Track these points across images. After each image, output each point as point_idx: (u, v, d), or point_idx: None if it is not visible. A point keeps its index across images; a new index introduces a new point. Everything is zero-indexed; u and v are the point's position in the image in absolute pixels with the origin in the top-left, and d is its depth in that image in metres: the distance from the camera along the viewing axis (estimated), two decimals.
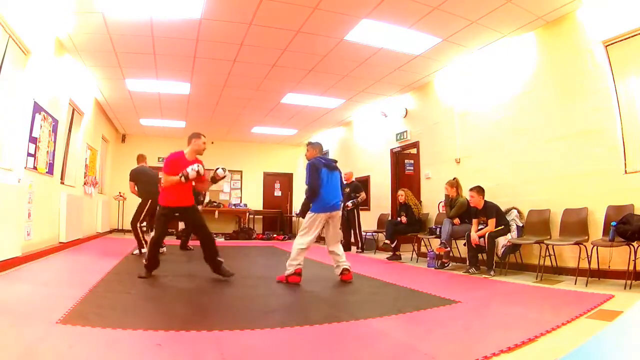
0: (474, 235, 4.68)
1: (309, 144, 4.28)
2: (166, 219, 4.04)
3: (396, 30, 4.98)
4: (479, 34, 4.99)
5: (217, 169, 4.18)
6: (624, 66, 3.95)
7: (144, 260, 3.99)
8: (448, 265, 5.16)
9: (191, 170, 3.79)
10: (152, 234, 4.06)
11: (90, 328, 2.15)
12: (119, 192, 10.22)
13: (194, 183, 3.99)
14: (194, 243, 6.56)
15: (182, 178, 3.79)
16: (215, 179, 4.21)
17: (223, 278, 3.95)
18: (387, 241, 6.26)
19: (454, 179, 5.42)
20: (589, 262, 3.72)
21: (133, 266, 4.84)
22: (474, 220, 4.84)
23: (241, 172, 12.30)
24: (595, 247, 3.70)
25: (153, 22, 4.82)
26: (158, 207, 4.11)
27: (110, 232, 10.06)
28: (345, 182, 7.87)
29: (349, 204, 7.49)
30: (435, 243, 5.27)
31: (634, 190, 3.71)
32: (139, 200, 5.78)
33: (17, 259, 4.05)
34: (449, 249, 5.15)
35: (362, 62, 6.00)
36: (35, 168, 4.77)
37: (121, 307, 2.78)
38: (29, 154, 4.56)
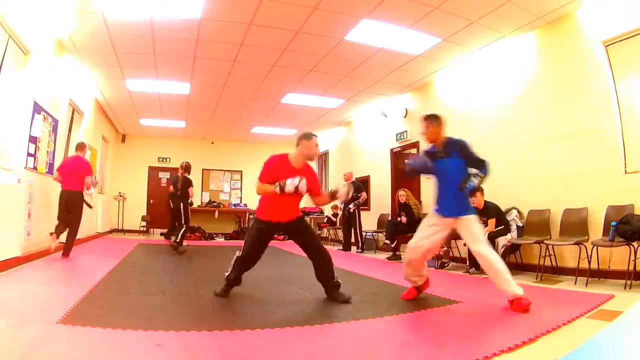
0: None
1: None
2: (261, 235, 3.26)
3: (396, 30, 4.98)
4: (479, 34, 4.99)
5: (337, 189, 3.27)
6: (624, 66, 3.94)
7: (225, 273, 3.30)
8: (448, 265, 5.16)
9: (290, 184, 3.01)
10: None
11: (91, 328, 2.15)
12: (119, 192, 10.23)
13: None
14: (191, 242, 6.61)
15: (277, 189, 3.02)
16: (334, 195, 3.29)
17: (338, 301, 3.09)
18: (387, 241, 6.26)
19: None
20: (589, 262, 3.72)
21: (133, 266, 4.84)
22: None
23: (241, 172, 12.30)
24: (595, 247, 3.70)
25: (153, 22, 4.82)
26: (254, 220, 3.37)
27: (110, 232, 10.07)
28: (345, 182, 7.90)
29: (351, 205, 7.49)
30: None
31: (634, 190, 3.71)
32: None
33: (17, 259, 4.05)
34: (446, 248, 5.15)
35: (362, 62, 6.00)
36: (35, 168, 4.77)
37: (121, 307, 2.78)
38: (28, 154, 4.56)
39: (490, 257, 2.85)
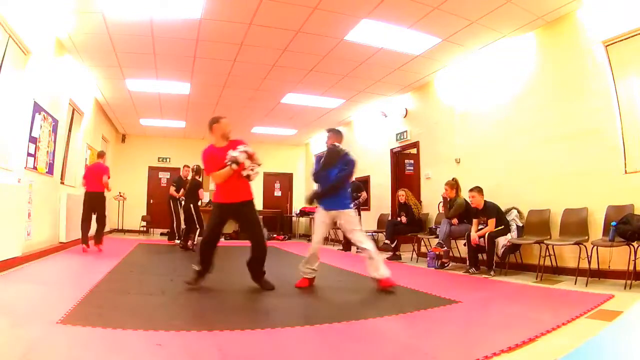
0: (474, 235, 4.68)
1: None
2: (218, 216, 3.54)
3: (396, 30, 4.98)
4: (479, 34, 4.99)
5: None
6: (624, 66, 3.94)
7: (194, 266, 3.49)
8: (448, 265, 5.16)
9: (237, 154, 3.27)
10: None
11: (91, 328, 2.15)
12: (119, 192, 10.22)
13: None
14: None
15: (233, 165, 3.25)
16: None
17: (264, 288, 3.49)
18: (387, 241, 6.25)
19: (453, 179, 5.41)
20: (589, 262, 3.72)
21: (133, 266, 4.84)
22: (474, 220, 4.84)
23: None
24: (595, 247, 3.70)
25: (153, 22, 4.82)
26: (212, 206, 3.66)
27: (110, 232, 10.06)
28: None
29: (352, 206, 7.47)
30: (435, 243, 5.27)
31: (634, 190, 3.71)
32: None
33: (17, 259, 4.05)
34: (446, 248, 5.15)
35: (362, 62, 6.00)
36: (35, 168, 4.77)
37: (121, 307, 2.78)
38: (29, 154, 4.56)
39: (364, 244, 3.71)
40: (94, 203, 5.83)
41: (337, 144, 3.89)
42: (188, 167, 7.27)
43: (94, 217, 5.92)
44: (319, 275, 3.84)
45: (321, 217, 3.84)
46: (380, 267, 3.62)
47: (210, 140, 3.62)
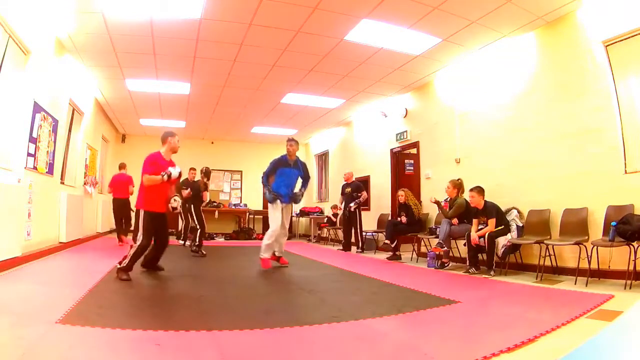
0: (474, 235, 4.68)
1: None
2: (155, 224, 3.97)
3: (396, 30, 4.98)
4: (479, 34, 4.99)
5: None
6: (624, 66, 3.94)
7: (119, 263, 3.81)
8: (448, 265, 5.16)
9: (175, 172, 3.90)
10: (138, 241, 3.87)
11: (90, 328, 2.15)
12: None
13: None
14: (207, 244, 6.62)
15: (165, 176, 3.83)
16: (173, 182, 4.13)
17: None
18: (387, 241, 6.26)
19: (459, 179, 5.41)
20: (589, 262, 3.72)
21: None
22: (474, 220, 4.84)
23: (241, 172, 12.31)
24: (595, 247, 3.70)
25: (153, 22, 4.82)
26: (142, 213, 3.94)
27: (110, 232, 10.06)
28: (345, 182, 7.91)
29: (352, 205, 7.49)
30: (435, 243, 5.27)
31: (634, 190, 3.71)
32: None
33: (17, 259, 4.05)
34: (446, 248, 5.15)
35: (362, 62, 6.00)
36: (35, 168, 4.77)
37: (121, 307, 2.78)
38: (29, 154, 4.56)
39: (267, 233, 4.91)
40: (122, 208, 7.22)
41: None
42: (194, 170, 7.32)
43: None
44: (319, 275, 3.85)
45: (280, 209, 4.89)
46: (262, 250, 4.81)
47: (158, 148, 4.14)
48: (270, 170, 4.94)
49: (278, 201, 4.88)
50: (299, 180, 5.23)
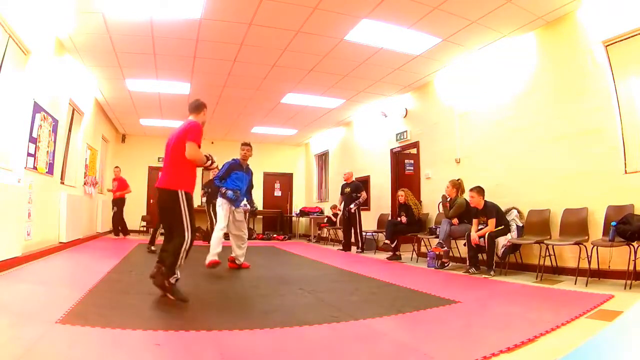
0: (474, 235, 4.68)
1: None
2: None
3: (396, 30, 4.98)
4: (479, 34, 4.99)
5: None
6: (624, 66, 3.94)
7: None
8: (448, 265, 5.16)
9: (215, 159, 3.20)
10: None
11: (90, 328, 2.15)
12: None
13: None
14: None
15: (209, 162, 3.13)
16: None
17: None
18: (387, 241, 6.26)
19: (459, 179, 5.41)
20: (589, 262, 3.72)
21: (133, 266, 4.84)
22: (474, 220, 4.84)
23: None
24: (595, 247, 3.70)
25: (153, 22, 4.82)
26: (183, 196, 3.01)
27: (110, 232, 10.07)
28: (345, 182, 7.91)
29: (352, 206, 7.48)
30: (435, 243, 5.27)
31: (634, 190, 3.71)
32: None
33: (17, 259, 4.05)
34: (446, 248, 5.15)
35: (362, 62, 6.00)
36: (35, 168, 4.77)
37: (121, 307, 2.78)
38: (29, 154, 4.55)
39: (214, 234, 4.75)
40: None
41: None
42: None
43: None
44: (318, 275, 3.85)
45: (228, 208, 4.79)
46: (210, 253, 4.61)
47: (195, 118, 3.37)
48: (225, 173, 4.83)
49: (225, 200, 4.72)
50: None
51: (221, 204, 4.78)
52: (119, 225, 8.61)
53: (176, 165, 3.04)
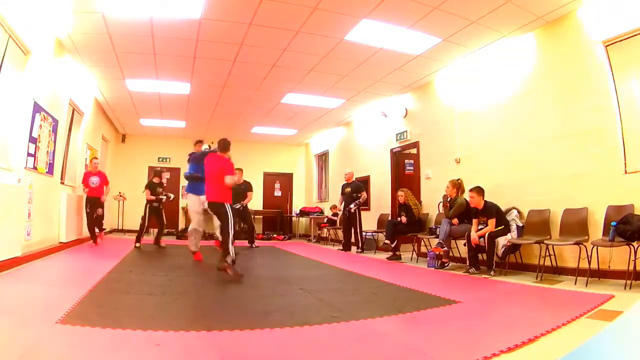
0: (474, 235, 4.67)
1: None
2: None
3: (396, 30, 4.98)
4: (479, 34, 4.99)
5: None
6: (624, 66, 3.94)
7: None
8: (448, 265, 5.16)
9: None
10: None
11: (90, 328, 2.15)
12: (119, 192, 10.22)
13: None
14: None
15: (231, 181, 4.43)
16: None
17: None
18: (387, 241, 6.25)
19: (459, 179, 5.41)
20: (589, 262, 3.72)
21: (133, 266, 4.84)
22: (474, 220, 4.84)
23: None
24: (595, 247, 3.70)
25: (153, 22, 4.82)
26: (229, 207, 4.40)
27: (111, 232, 10.07)
28: (345, 182, 7.91)
29: (352, 206, 7.48)
30: (435, 243, 5.27)
31: (634, 190, 3.71)
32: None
33: (17, 259, 4.05)
34: (446, 248, 5.15)
35: (362, 62, 6.00)
36: (35, 168, 4.77)
37: (121, 307, 2.78)
38: (29, 154, 4.56)
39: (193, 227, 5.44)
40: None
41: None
42: (240, 170, 7.67)
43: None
44: (318, 275, 3.85)
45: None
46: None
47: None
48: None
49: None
50: None
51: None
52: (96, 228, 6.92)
53: (223, 187, 4.38)
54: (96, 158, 7.37)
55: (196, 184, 5.36)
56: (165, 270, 4.75)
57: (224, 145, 4.65)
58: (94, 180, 6.72)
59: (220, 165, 4.43)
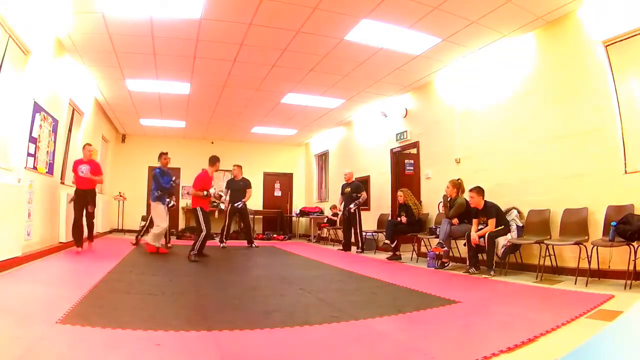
0: (474, 235, 4.67)
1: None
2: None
3: (396, 31, 4.98)
4: (479, 34, 4.99)
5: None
6: (624, 66, 3.94)
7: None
8: (448, 265, 5.16)
9: (211, 191, 5.95)
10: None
11: (90, 328, 2.15)
12: (119, 192, 10.23)
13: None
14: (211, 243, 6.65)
15: (205, 194, 5.80)
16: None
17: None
18: (387, 241, 6.25)
19: (459, 179, 5.41)
20: (589, 262, 3.72)
21: (133, 266, 4.84)
22: (474, 220, 4.84)
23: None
24: (595, 247, 3.70)
25: (153, 22, 4.82)
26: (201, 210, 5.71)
27: (110, 232, 10.08)
28: (345, 182, 7.91)
29: (352, 206, 7.48)
30: (435, 243, 5.27)
31: (634, 190, 3.71)
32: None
33: (17, 259, 4.05)
34: (446, 248, 5.15)
35: (362, 62, 6.00)
36: (35, 168, 4.77)
37: (121, 307, 2.78)
38: (29, 154, 4.56)
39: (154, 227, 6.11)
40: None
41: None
42: (239, 166, 7.89)
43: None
44: (319, 275, 3.85)
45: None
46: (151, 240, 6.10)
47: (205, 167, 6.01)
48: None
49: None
50: None
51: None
52: (83, 229, 5.71)
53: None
54: (90, 145, 6.01)
55: (164, 195, 6.28)
56: (166, 270, 4.75)
57: (210, 160, 6.15)
58: (83, 168, 5.56)
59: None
